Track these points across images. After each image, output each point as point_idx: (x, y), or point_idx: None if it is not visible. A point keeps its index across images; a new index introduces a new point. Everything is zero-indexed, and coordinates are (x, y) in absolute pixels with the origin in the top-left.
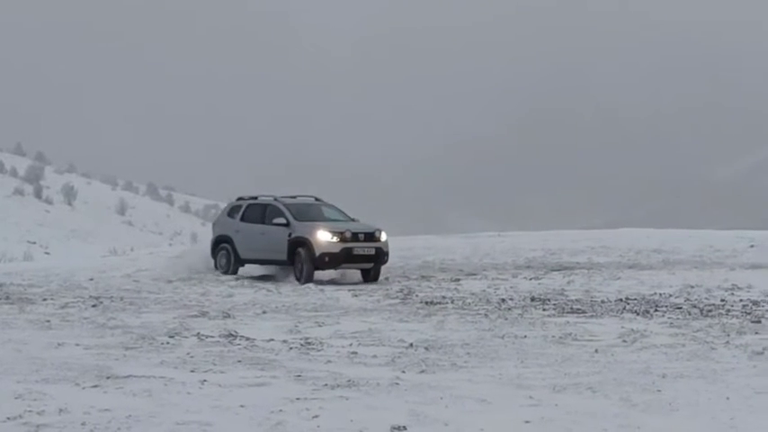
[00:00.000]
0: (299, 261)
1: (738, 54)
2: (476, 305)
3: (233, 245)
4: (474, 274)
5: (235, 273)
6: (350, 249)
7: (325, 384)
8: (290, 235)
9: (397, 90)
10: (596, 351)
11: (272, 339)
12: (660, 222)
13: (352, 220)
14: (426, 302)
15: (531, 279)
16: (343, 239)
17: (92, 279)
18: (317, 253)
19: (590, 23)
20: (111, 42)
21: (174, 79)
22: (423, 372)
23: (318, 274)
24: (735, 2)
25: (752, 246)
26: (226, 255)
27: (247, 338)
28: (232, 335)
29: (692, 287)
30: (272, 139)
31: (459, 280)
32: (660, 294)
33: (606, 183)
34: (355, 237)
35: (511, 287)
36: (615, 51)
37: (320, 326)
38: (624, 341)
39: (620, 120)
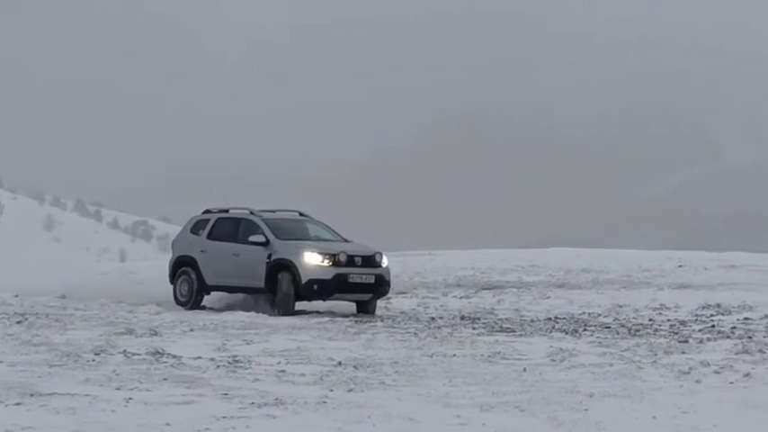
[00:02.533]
0: (280, 288)
1: (667, 75)
2: (405, 323)
3: (197, 268)
4: (404, 293)
5: (198, 305)
6: (344, 276)
7: (252, 403)
8: (269, 256)
9: (305, 95)
10: (525, 370)
11: (200, 357)
12: (591, 241)
13: (345, 240)
14: (356, 320)
15: (461, 298)
16: (335, 263)
17: (17, 296)
18: (304, 279)
19: (529, 38)
20: (34, 56)
21: (101, 94)
22: (351, 390)
23: (304, 305)
24: (671, 22)
25: (680, 266)
26: (187, 281)
27: (174, 356)
28: (159, 352)
29: (621, 306)
30: (193, 151)
31: (389, 298)
32: (589, 314)
33: (539, 201)
34: (351, 261)
35: (441, 306)
36: (554, 68)
37: (248, 344)
38: (552, 360)
39: (555, 138)
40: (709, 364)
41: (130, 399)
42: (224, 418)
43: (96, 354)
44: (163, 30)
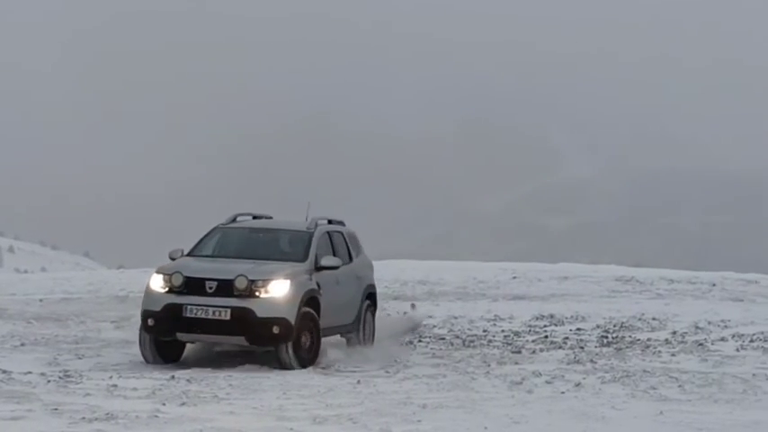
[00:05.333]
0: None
1: (511, 84)
2: None
3: None
4: None
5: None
6: (177, 308)
7: (83, 418)
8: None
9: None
10: (358, 382)
11: (30, 372)
12: (432, 253)
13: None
14: None
15: None
16: (171, 289)
17: None
18: (141, 310)
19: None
20: None
21: None
22: (183, 404)
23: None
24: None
25: (514, 277)
26: None
27: (3, 371)
28: None
29: (456, 318)
30: (29, 164)
31: None
32: (424, 325)
33: (373, 211)
34: (196, 286)
35: None
36: (395, 74)
37: (80, 358)
38: (387, 372)
39: (394, 144)
40: (541, 374)
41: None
42: None
43: None
44: None
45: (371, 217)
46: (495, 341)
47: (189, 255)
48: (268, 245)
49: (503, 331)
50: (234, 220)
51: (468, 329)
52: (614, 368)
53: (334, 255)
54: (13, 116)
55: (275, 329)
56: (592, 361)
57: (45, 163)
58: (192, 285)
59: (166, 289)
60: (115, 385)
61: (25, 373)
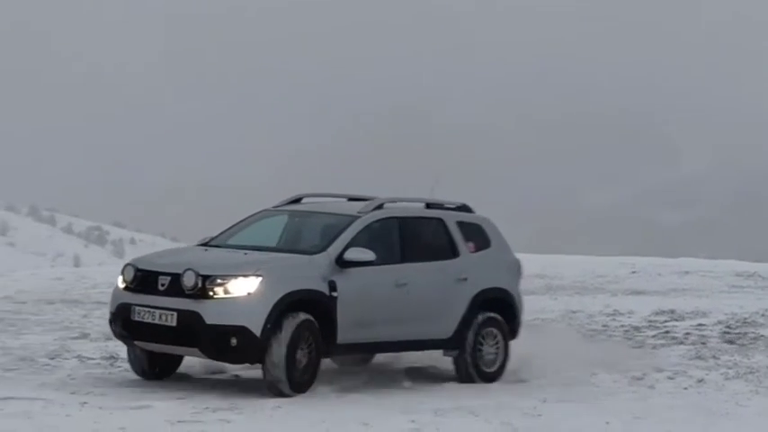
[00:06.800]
0: None
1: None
2: None
3: None
4: None
5: None
6: (126, 309)
7: None
8: None
9: None
10: None
11: None
12: (542, 246)
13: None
14: None
15: None
16: (127, 286)
17: None
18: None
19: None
20: None
21: (54, 98)
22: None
23: None
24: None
25: (633, 272)
26: None
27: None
28: (113, 357)
29: (574, 312)
30: (147, 158)
31: None
32: (542, 320)
33: (490, 202)
34: (144, 280)
35: None
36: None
37: None
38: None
39: (497, 135)
40: (662, 370)
41: (85, 403)
42: None
43: (51, 358)
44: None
45: (481, 209)
46: (616, 336)
47: (204, 243)
48: (299, 233)
49: (622, 326)
50: (296, 201)
51: (587, 324)
52: (737, 364)
53: (405, 248)
54: (124, 112)
55: (233, 341)
56: (714, 357)
57: (163, 156)
58: (144, 281)
59: (123, 285)
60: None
61: None
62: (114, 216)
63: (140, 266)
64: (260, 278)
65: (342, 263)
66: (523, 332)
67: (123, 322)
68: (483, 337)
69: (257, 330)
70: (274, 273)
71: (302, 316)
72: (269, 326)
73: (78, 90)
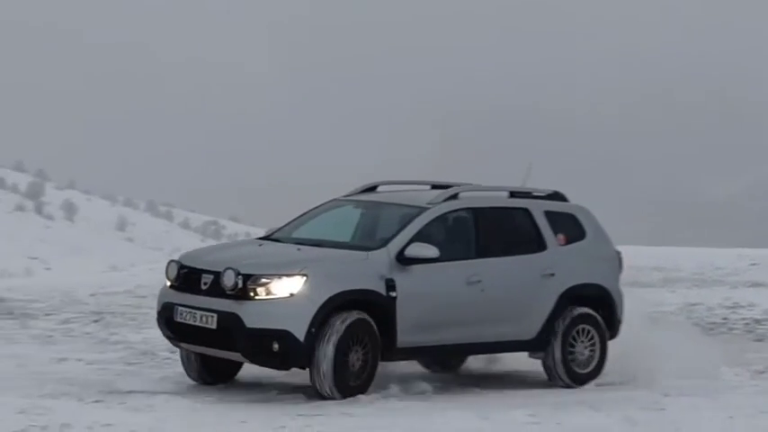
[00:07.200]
0: None
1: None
2: None
3: None
4: None
5: None
6: (170, 309)
7: None
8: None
9: None
10: None
11: None
12: (657, 239)
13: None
14: None
15: None
16: (172, 284)
17: (93, 294)
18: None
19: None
20: (109, 55)
21: (170, 97)
22: None
23: None
24: None
25: (753, 264)
26: None
27: None
28: None
29: (693, 305)
30: (264, 159)
31: None
32: (661, 312)
33: (605, 194)
34: (188, 278)
35: None
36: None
37: None
38: None
39: (604, 126)
40: None
41: (206, 397)
42: None
43: (172, 352)
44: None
45: (595, 201)
46: (736, 329)
47: (267, 236)
48: (364, 226)
49: (743, 319)
50: (371, 189)
51: (707, 317)
52: None
53: (480, 242)
54: (242, 112)
55: (275, 346)
56: None
57: (278, 153)
58: (187, 279)
59: (169, 283)
60: None
61: None
62: (230, 211)
63: (185, 263)
64: (305, 278)
65: (403, 260)
66: (641, 325)
67: (167, 323)
68: (575, 336)
69: (300, 335)
70: (321, 272)
71: (355, 315)
72: (314, 330)
73: (195, 92)
